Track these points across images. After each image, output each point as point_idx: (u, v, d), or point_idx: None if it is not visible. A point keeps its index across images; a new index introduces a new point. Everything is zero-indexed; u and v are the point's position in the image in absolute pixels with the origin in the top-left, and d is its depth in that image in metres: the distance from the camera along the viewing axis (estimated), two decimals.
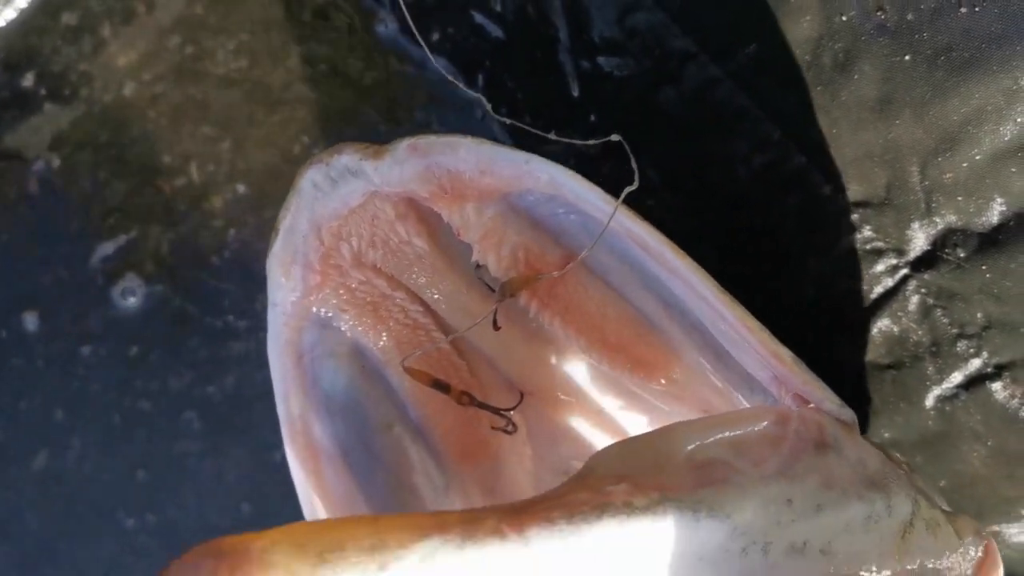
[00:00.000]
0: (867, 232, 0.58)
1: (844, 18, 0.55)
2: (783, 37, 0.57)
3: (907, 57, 0.54)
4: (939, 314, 0.58)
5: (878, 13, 0.55)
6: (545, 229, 0.49)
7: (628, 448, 0.38)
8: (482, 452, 0.53)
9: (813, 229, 0.59)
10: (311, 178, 0.46)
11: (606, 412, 0.55)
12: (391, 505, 0.49)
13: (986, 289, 0.56)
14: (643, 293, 0.49)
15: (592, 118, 0.62)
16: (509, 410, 0.51)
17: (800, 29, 0.56)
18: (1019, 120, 0.53)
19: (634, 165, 0.42)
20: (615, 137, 0.43)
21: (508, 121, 0.48)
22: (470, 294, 0.52)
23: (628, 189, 0.41)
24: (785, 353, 0.43)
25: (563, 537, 0.31)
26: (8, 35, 0.72)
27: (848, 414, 0.44)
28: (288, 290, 0.48)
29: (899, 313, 0.58)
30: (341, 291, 0.50)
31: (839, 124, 0.56)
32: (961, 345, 0.57)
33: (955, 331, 0.57)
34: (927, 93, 0.54)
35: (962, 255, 0.56)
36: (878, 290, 0.58)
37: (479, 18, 0.64)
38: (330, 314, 0.50)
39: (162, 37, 0.70)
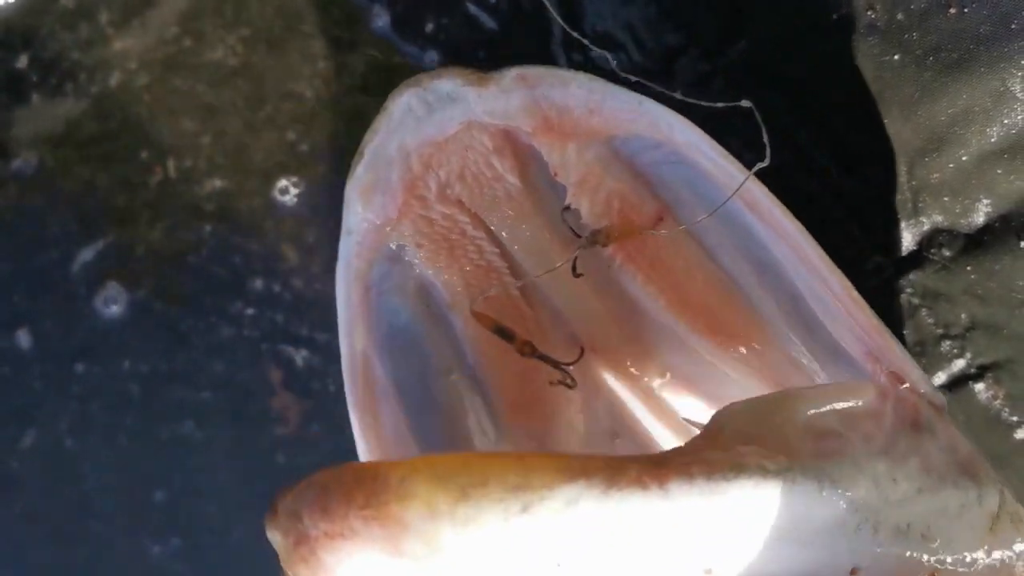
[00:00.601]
0: (854, 231, 0.58)
1: (835, 16, 0.56)
2: (774, 34, 0.57)
3: (896, 57, 0.55)
4: (924, 314, 0.58)
5: (868, 12, 0.55)
6: (645, 179, 0.47)
7: (753, 408, 0.38)
8: (536, 408, 0.52)
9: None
10: (406, 102, 0.44)
11: (670, 379, 0.54)
12: (442, 450, 0.48)
13: (971, 290, 0.56)
14: (737, 256, 0.48)
15: None
16: (570, 364, 0.49)
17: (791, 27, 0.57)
18: (1005, 122, 0.54)
19: (765, 139, 0.41)
20: (745, 103, 0.42)
21: (634, 78, 0.45)
22: (552, 239, 0.50)
23: (760, 165, 0.40)
24: (885, 329, 0.43)
25: (702, 494, 0.31)
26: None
27: (940, 397, 0.43)
28: (366, 219, 0.46)
29: (885, 312, 0.58)
30: (421, 224, 0.48)
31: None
32: (945, 345, 0.58)
33: (939, 331, 0.57)
34: (915, 93, 0.55)
35: (947, 255, 0.56)
36: (864, 288, 0.58)
37: (473, 9, 0.64)
38: (404, 247, 0.48)
39: (161, 29, 0.69)
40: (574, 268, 0.46)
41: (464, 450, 0.49)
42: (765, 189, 0.42)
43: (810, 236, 0.43)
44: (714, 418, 0.37)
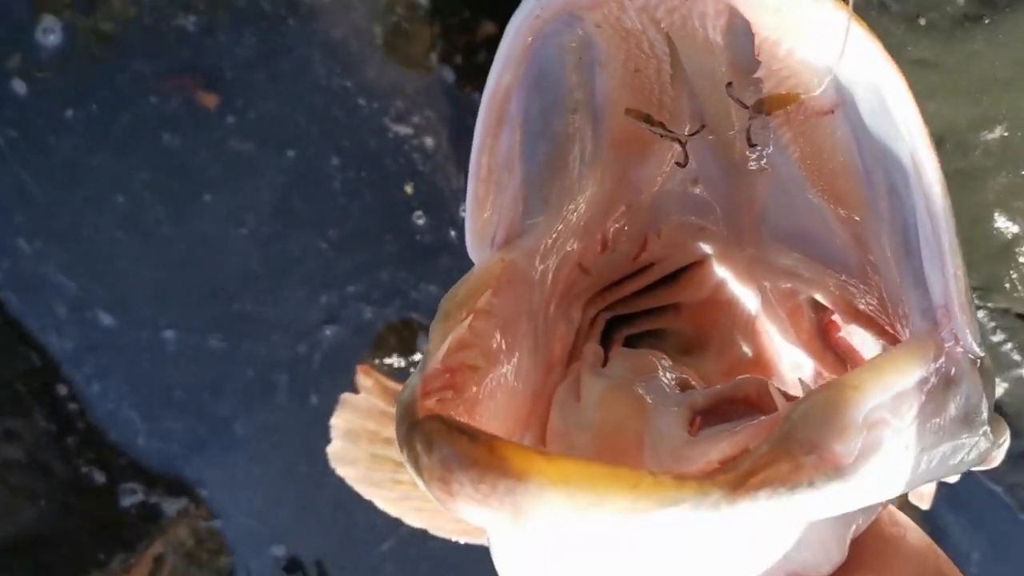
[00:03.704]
0: None
1: None
2: None
3: None
4: None
5: None
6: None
7: (819, 410, 0.39)
8: (637, 145, 0.56)
9: None
10: None
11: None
12: (540, 178, 0.54)
13: None
14: (878, 168, 0.47)
15: None
16: (692, 134, 0.52)
17: None
18: None
19: None
20: None
21: None
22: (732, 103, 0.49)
23: None
24: (969, 290, 0.44)
25: (765, 509, 0.36)
26: None
27: (978, 349, 0.46)
28: (559, 1, 0.45)
29: None
30: (611, 18, 0.47)
31: None
32: None
33: None
34: None
35: None
36: None
37: None
38: (583, 20, 0.47)
39: None
40: (749, 139, 0.48)
41: (560, 172, 0.55)
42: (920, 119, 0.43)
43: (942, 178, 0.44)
44: (784, 421, 0.39)
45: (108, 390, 1.28)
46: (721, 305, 0.69)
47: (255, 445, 1.32)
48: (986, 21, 0.77)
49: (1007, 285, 0.85)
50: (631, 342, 0.73)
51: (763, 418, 0.47)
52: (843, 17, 0.40)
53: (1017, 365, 0.86)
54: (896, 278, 0.48)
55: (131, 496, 1.32)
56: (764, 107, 0.46)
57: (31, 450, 1.26)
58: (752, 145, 0.48)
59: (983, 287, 0.87)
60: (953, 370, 0.44)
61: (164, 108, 1.22)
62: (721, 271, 0.67)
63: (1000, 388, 0.87)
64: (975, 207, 0.86)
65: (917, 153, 0.43)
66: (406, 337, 1.30)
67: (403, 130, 1.25)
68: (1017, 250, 0.84)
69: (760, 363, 0.70)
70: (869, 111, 0.44)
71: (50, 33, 1.24)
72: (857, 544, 0.49)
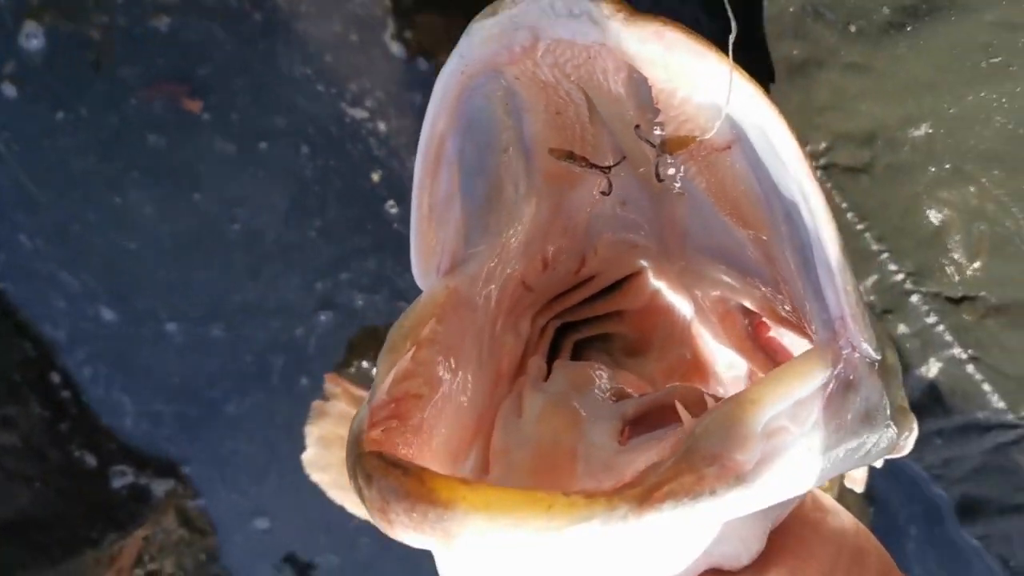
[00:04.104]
0: None
1: None
2: None
3: None
4: None
5: None
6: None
7: (721, 425, 0.44)
8: (569, 175, 0.61)
9: None
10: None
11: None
12: (480, 210, 0.58)
13: None
14: (775, 196, 0.51)
15: None
16: (610, 167, 0.58)
17: None
18: None
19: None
20: None
21: None
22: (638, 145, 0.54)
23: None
24: (862, 298, 0.49)
25: (669, 519, 0.40)
26: None
27: (875, 354, 0.50)
28: (480, 55, 0.49)
29: None
30: (527, 72, 0.51)
31: None
32: None
33: None
34: None
35: None
36: None
37: None
38: (503, 74, 0.52)
39: None
40: (657, 174, 0.52)
41: (497, 206, 0.59)
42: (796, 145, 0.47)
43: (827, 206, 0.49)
44: (692, 433, 0.44)
45: (100, 378, 1.33)
46: (659, 311, 0.74)
47: (246, 424, 1.38)
48: (908, 28, 0.81)
49: (937, 271, 0.90)
50: (581, 345, 0.78)
51: (684, 426, 0.52)
52: (725, 68, 0.45)
53: (949, 345, 0.91)
54: (800, 291, 0.53)
55: (121, 478, 1.37)
56: (666, 148, 0.50)
57: (26, 436, 1.32)
58: (660, 180, 0.52)
59: (916, 272, 0.92)
60: (852, 375, 0.49)
61: (148, 110, 1.27)
62: (656, 282, 0.72)
63: (934, 368, 0.93)
64: (906, 199, 0.91)
65: (803, 185, 0.47)
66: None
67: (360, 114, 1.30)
68: (946, 238, 0.89)
69: (698, 363, 0.75)
70: (759, 148, 0.48)
71: (33, 38, 1.28)
72: (779, 531, 0.54)
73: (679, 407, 0.48)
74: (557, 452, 0.53)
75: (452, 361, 0.55)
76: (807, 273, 0.51)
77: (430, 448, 0.50)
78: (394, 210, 1.37)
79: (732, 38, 0.45)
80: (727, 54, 0.45)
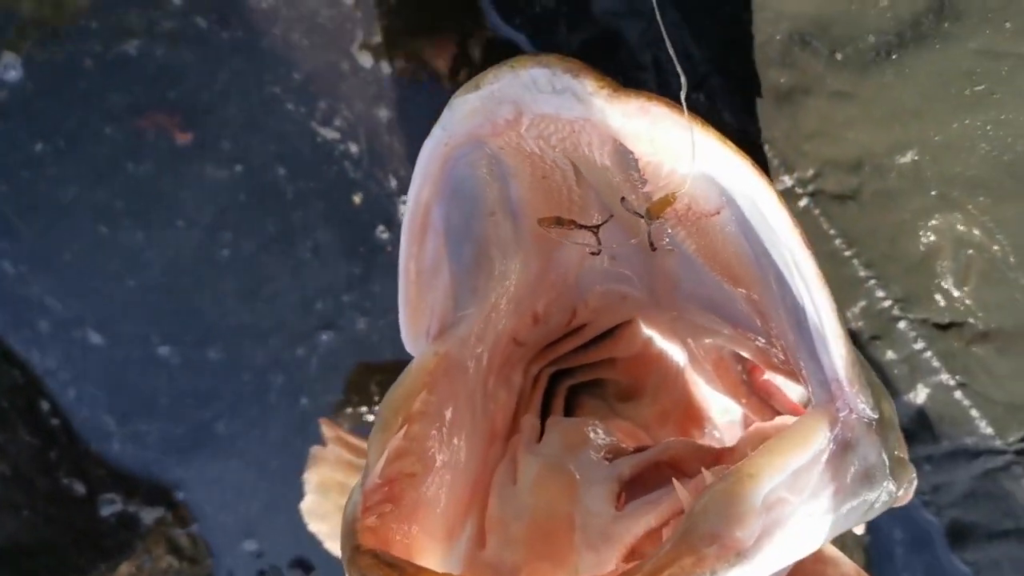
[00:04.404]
0: None
1: None
2: None
3: None
4: None
5: None
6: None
7: (718, 504, 0.43)
8: (552, 240, 0.60)
9: None
10: (533, 74, 0.44)
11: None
12: (468, 274, 0.58)
13: None
14: (766, 258, 0.51)
15: None
16: (598, 226, 0.56)
17: None
18: None
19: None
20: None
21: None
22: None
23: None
24: (860, 361, 0.49)
25: None
26: None
27: (872, 413, 0.49)
28: (463, 128, 0.49)
29: None
30: (511, 144, 0.51)
31: None
32: None
33: None
34: None
35: None
36: None
37: None
38: (486, 143, 0.51)
39: None
40: (651, 243, 0.52)
41: (485, 267, 0.59)
42: (791, 220, 0.47)
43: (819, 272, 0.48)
44: (687, 517, 0.43)
45: (87, 403, 1.33)
46: (652, 358, 0.74)
47: (239, 445, 1.37)
48: (894, 56, 0.81)
49: (925, 297, 0.91)
50: (574, 390, 0.77)
51: (682, 489, 0.51)
52: (713, 142, 0.45)
53: (937, 371, 0.91)
54: (795, 349, 0.53)
55: (110, 506, 1.37)
56: (651, 215, 0.50)
57: (14, 463, 1.31)
58: (654, 249, 0.52)
59: (903, 299, 0.92)
60: (849, 435, 0.49)
61: (126, 138, 1.26)
62: (648, 330, 0.72)
63: (922, 394, 0.93)
64: (893, 226, 0.91)
65: (795, 253, 0.47)
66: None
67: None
68: (933, 264, 0.89)
69: (692, 408, 0.74)
70: (749, 215, 0.48)
71: (11, 69, 1.27)
72: None
73: (677, 486, 0.47)
74: (554, 521, 0.53)
75: (445, 431, 0.54)
76: (801, 333, 0.51)
77: (426, 529, 0.49)
78: (385, 235, 1.36)
79: (683, 95, 0.45)
80: (703, 122, 0.45)
